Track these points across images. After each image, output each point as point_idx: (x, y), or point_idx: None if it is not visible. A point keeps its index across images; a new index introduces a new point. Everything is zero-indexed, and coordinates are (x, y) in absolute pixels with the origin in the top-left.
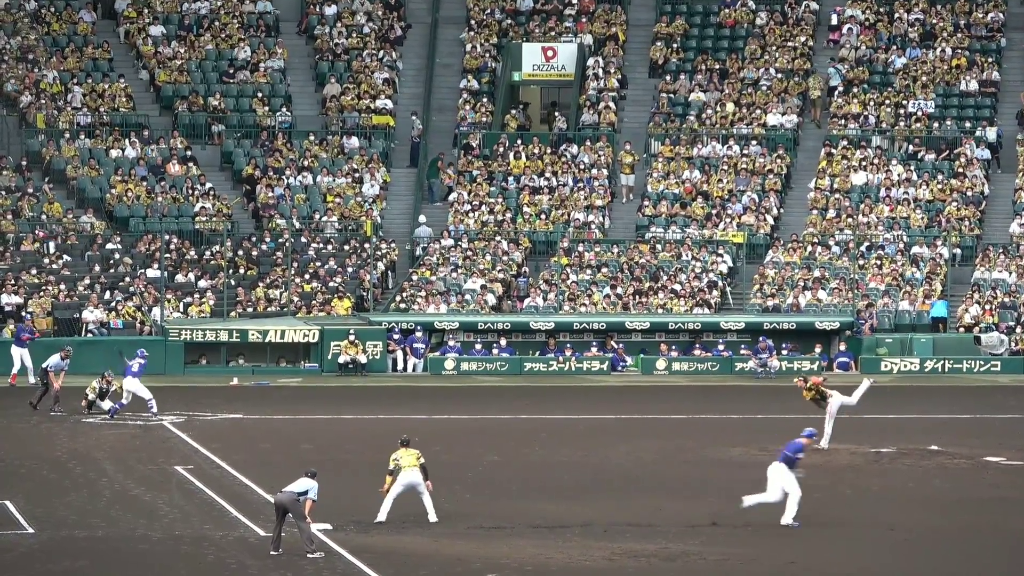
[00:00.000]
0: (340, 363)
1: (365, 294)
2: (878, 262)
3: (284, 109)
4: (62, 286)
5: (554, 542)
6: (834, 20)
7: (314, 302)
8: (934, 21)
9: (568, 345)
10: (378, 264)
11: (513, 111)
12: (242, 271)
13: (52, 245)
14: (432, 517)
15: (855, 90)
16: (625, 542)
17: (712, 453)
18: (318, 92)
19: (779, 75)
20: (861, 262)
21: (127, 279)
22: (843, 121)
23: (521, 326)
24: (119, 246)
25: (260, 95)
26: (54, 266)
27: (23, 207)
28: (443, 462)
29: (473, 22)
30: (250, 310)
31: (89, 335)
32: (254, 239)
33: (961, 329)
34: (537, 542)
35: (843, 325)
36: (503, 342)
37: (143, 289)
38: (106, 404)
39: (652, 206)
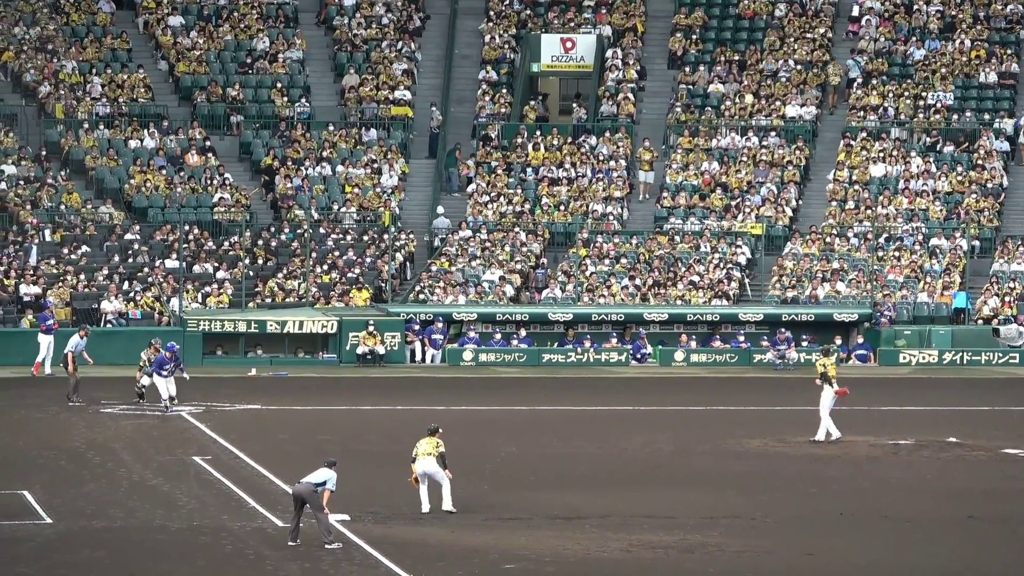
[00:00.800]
0: (358, 354)
1: (383, 285)
2: (897, 254)
3: (303, 100)
4: (81, 276)
5: (572, 533)
6: (854, 11)
7: (332, 293)
8: (953, 13)
9: (587, 336)
10: (396, 255)
11: (532, 102)
12: (260, 262)
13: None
14: (446, 506)
15: (874, 82)
16: (643, 533)
17: (730, 445)
18: (337, 83)
19: (798, 67)
20: (880, 254)
21: (146, 270)
22: (862, 113)
23: (539, 317)
24: (138, 237)
25: (279, 86)
26: (72, 256)
27: (42, 197)
28: (461, 453)
29: (492, 13)
30: (268, 301)
31: (108, 325)
32: (273, 230)
33: (980, 321)
34: (555, 533)
35: (862, 317)
36: (522, 333)
37: (162, 280)
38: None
39: (671, 197)
